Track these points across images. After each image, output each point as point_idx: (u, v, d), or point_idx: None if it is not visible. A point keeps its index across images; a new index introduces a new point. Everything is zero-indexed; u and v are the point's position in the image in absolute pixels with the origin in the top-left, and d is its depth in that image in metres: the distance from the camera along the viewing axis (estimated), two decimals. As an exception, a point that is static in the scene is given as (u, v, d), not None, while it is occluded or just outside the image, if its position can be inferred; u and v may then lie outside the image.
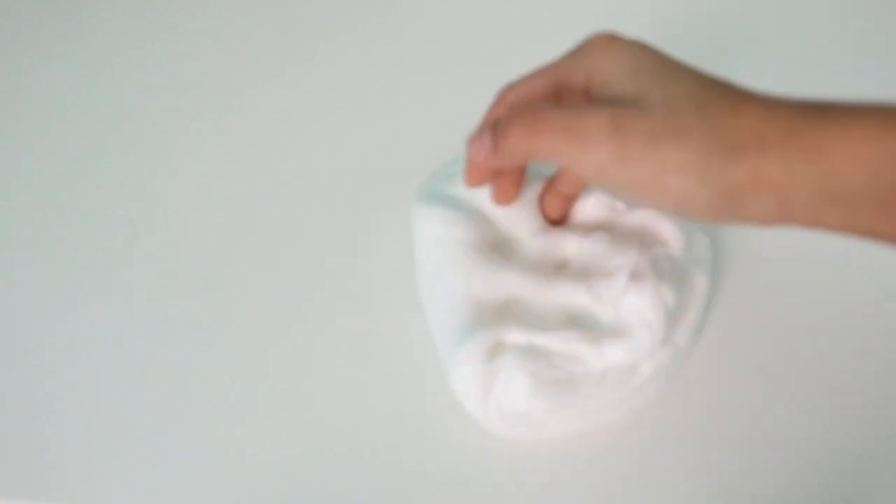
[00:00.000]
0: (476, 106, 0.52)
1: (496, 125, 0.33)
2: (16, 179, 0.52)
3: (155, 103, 0.54)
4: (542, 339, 0.38)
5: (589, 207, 0.42)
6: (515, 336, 0.39)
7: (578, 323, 0.40)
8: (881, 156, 0.28)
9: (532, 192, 0.42)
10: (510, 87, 0.37)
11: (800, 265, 0.44)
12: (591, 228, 0.42)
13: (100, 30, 0.58)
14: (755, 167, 0.30)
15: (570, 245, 0.42)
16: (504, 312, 0.40)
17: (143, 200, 0.50)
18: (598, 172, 0.31)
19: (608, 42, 0.33)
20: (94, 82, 0.56)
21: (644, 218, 0.42)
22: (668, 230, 0.41)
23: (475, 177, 0.38)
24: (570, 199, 0.42)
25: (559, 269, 0.42)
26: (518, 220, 0.42)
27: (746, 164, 0.30)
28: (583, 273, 0.41)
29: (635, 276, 0.39)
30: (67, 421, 0.42)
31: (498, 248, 0.42)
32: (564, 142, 0.31)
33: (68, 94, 0.55)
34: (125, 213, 0.49)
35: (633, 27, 0.55)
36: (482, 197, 0.42)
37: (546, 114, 0.32)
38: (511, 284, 0.40)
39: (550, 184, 0.42)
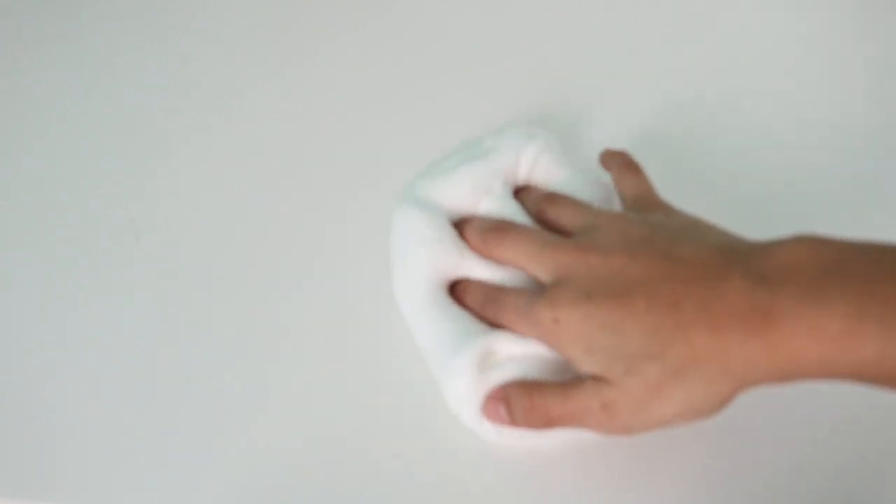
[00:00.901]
0: (475, 106, 0.52)
1: (508, 399, 0.37)
2: (16, 179, 0.52)
3: (155, 103, 0.54)
4: (538, 346, 0.38)
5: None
6: (510, 345, 0.38)
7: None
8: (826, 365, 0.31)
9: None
10: (496, 314, 0.39)
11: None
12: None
13: (100, 30, 0.58)
14: (734, 389, 0.33)
15: None
16: None
17: (143, 200, 0.50)
18: (602, 432, 0.36)
19: (554, 324, 0.36)
20: (95, 82, 0.56)
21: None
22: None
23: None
24: None
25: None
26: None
27: (727, 385, 0.33)
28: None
29: None
30: (67, 421, 0.42)
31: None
32: (570, 422, 0.36)
33: (68, 94, 0.55)
34: (125, 213, 0.49)
35: (630, 24, 0.56)
36: (468, 200, 0.42)
37: (548, 402, 0.36)
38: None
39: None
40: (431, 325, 0.40)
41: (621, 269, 0.35)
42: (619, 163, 0.43)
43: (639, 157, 0.43)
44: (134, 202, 0.50)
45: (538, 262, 0.38)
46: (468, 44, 0.56)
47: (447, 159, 0.44)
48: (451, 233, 0.41)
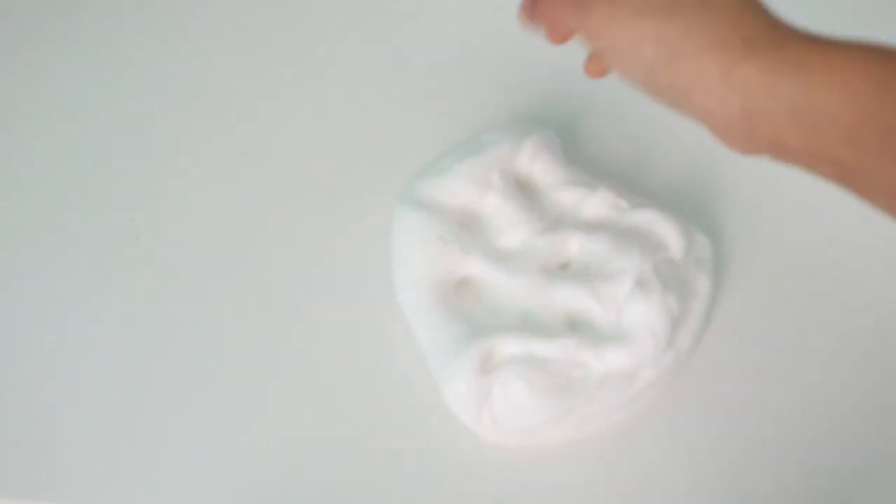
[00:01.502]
0: (475, 106, 0.52)
1: None
2: (16, 180, 0.52)
3: (155, 104, 0.54)
4: (540, 347, 0.38)
5: (592, 205, 0.42)
6: (511, 345, 0.38)
7: (578, 325, 0.40)
8: (861, 84, 0.29)
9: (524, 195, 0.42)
10: None
11: (801, 266, 0.44)
12: (593, 227, 0.42)
13: (100, 30, 0.58)
14: (731, 61, 0.30)
15: (572, 243, 0.42)
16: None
17: (143, 200, 0.50)
18: (595, 35, 0.34)
19: None
20: (95, 83, 0.56)
21: (646, 219, 0.42)
22: (669, 232, 0.41)
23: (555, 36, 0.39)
24: None
25: (558, 268, 0.41)
26: (515, 220, 0.42)
27: (723, 57, 0.30)
28: (584, 274, 0.40)
29: (641, 284, 0.39)
30: (67, 421, 0.42)
31: (489, 250, 0.42)
32: (574, 9, 0.35)
33: (69, 95, 0.55)
34: (125, 213, 0.49)
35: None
36: (468, 196, 0.42)
37: None
38: (506, 288, 0.40)
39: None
40: (433, 326, 0.40)
41: None
42: None
43: (637, 154, 0.43)
44: (134, 202, 0.50)
45: None
46: (468, 44, 0.56)
47: (445, 157, 0.44)
48: (452, 231, 0.41)
